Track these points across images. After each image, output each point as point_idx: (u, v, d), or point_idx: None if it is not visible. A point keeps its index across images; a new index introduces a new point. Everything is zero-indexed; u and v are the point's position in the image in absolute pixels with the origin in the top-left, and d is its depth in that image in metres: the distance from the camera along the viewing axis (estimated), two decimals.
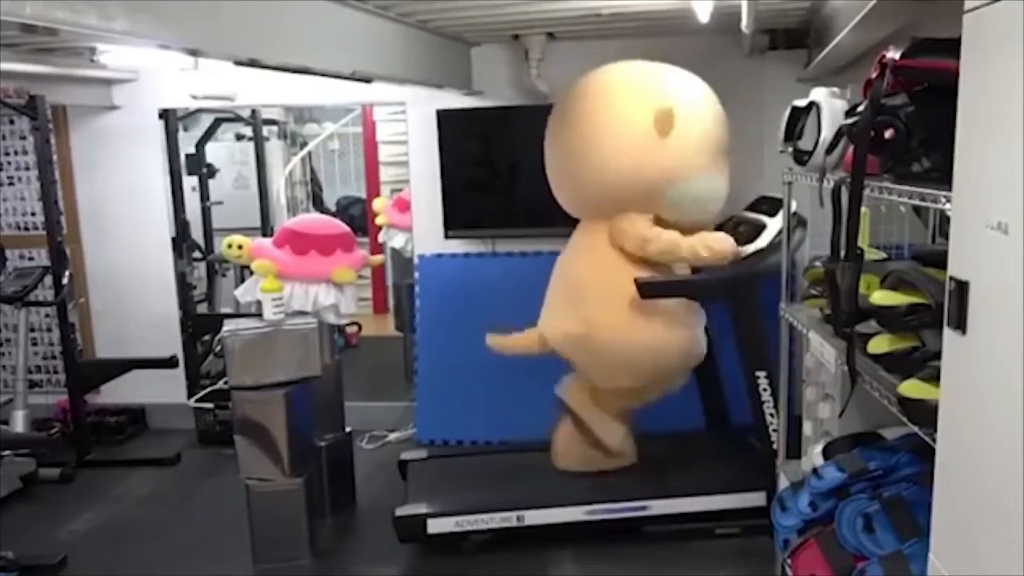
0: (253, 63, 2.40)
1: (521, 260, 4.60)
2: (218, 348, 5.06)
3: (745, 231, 3.52)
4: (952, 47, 1.44)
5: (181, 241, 5.31)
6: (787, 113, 2.65)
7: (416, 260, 4.77)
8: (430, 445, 4.53)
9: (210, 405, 4.91)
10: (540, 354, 3.63)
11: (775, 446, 3.30)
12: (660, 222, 3.45)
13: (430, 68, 3.88)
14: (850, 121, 2.00)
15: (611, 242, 3.47)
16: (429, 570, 3.52)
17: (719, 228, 3.65)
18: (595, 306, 3.47)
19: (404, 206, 4.99)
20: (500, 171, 4.68)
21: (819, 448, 2.53)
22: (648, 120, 3.31)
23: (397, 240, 5.16)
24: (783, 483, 2.90)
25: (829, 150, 2.23)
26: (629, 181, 3.38)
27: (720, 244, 3.38)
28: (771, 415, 3.45)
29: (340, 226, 3.80)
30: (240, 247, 3.55)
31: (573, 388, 3.73)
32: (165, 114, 5.05)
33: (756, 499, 3.47)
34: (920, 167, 1.78)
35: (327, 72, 2.87)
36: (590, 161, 3.43)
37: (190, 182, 5.65)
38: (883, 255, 2.65)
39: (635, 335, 3.46)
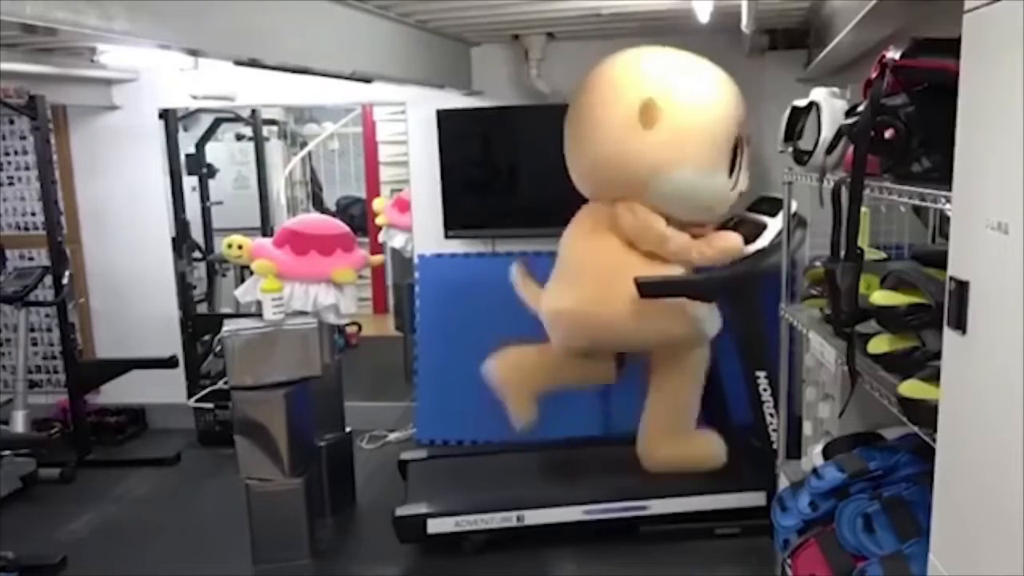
0: (253, 63, 2.40)
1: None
2: (218, 348, 5.06)
3: (746, 231, 3.52)
4: (952, 47, 1.44)
5: (181, 241, 5.31)
6: (787, 113, 2.65)
7: (416, 260, 4.77)
8: (430, 445, 4.53)
9: (210, 405, 4.91)
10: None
11: (775, 446, 3.30)
12: (669, 219, 3.46)
13: (430, 68, 3.88)
14: (850, 121, 2.00)
15: (610, 226, 3.49)
16: (429, 570, 3.51)
17: (719, 228, 3.65)
18: (589, 289, 3.49)
19: (404, 206, 4.99)
20: (500, 171, 4.68)
21: (819, 448, 2.53)
22: (632, 111, 3.31)
23: (397, 240, 5.16)
24: (783, 483, 2.90)
25: (829, 150, 2.23)
26: (613, 170, 3.41)
27: (724, 242, 3.41)
28: (771, 415, 3.46)
29: (340, 226, 3.80)
30: (240, 247, 3.55)
31: (501, 362, 3.78)
32: (165, 114, 5.05)
33: (756, 499, 3.47)
34: (920, 167, 1.78)
35: (327, 72, 2.88)
36: (583, 148, 3.51)
37: (190, 182, 5.66)
38: (883, 255, 2.64)
39: (626, 321, 3.44)
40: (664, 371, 3.71)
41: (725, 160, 3.41)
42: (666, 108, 3.30)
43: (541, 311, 3.64)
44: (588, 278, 3.53)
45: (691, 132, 3.34)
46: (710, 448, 3.71)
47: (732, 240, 3.45)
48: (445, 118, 4.47)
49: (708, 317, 3.58)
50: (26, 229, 5.09)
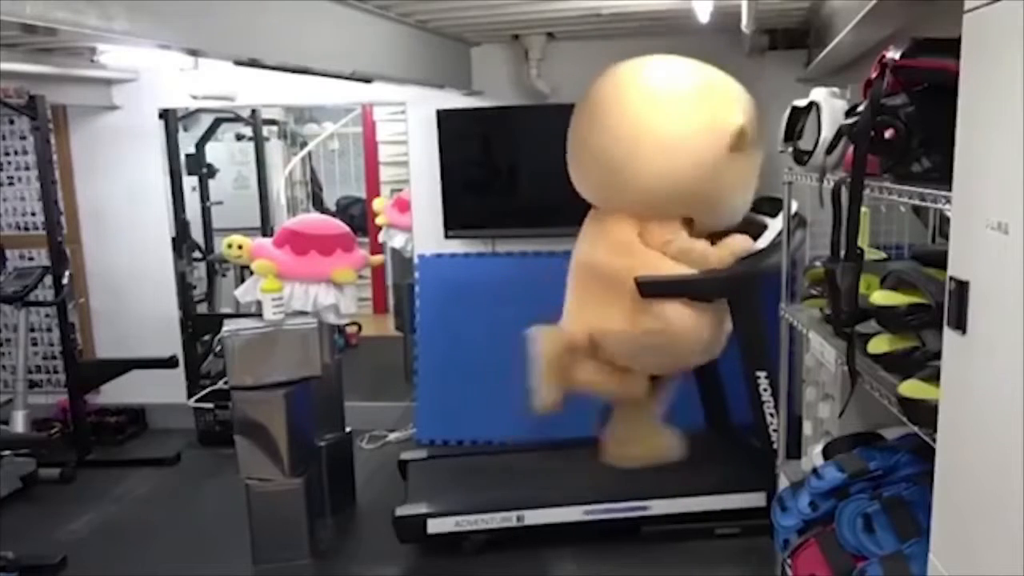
0: (253, 63, 2.40)
1: (521, 260, 4.60)
2: (218, 348, 5.06)
3: (746, 231, 3.53)
4: (952, 47, 1.44)
5: (181, 241, 5.31)
6: (787, 113, 2.64)
7: (416, 260, 4.77)
8: (430, 445, 4.53)
9: (210, 405, 4.91)
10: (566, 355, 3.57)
11: (775, 446, 3.30)
12: (687, 225, 3.52)
13: (430, 68, 3.88)
14: (850, 121, 2.00)
15: (633, 236, 3.49)
16: (429, 570, 3.51)
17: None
18: (612, 304, 3.47)
19: (404, 206, 4.99)
20: (500, 171, 4.69)
21: (819, 448, 2.52)
22: (724, 135, 3.31)
23: (397, 240, 5.16)
24: (783, 483, 2.90)
25: (829, 150, 2.23)
26: (690, 191, 3.37)
27: (738, 246, 3.46)
28: (771, 415, 3.45)
29: (340, 226, 3.80)
30: (240, 247, 3.55)
31: (549, 337, 3.62)
32: (165, 114, 5.06)
33: (756, 499, 3.47)
34: (920, 167, 1.77)
35: (327, 72, 2.88)
36: (648, 167, 3.33)
37: (190, 182, 5.66)
38: (883, 255, 2.64)
39: (700, 324, 3.48)
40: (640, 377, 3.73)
41: (757, 175, 3.55)
42: (751, 135, 3.36)
43: (604, 337, 3.54)
44: (615, 291, 3.48)
45: (757, 154, 3.47)
46: (668, 445, 3.80)
47: (745, 242, 3.48)
48: (445, 118, 4.47)
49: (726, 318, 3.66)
50: (26, 229, 5.09)
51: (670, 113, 3.34)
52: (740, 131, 3.30)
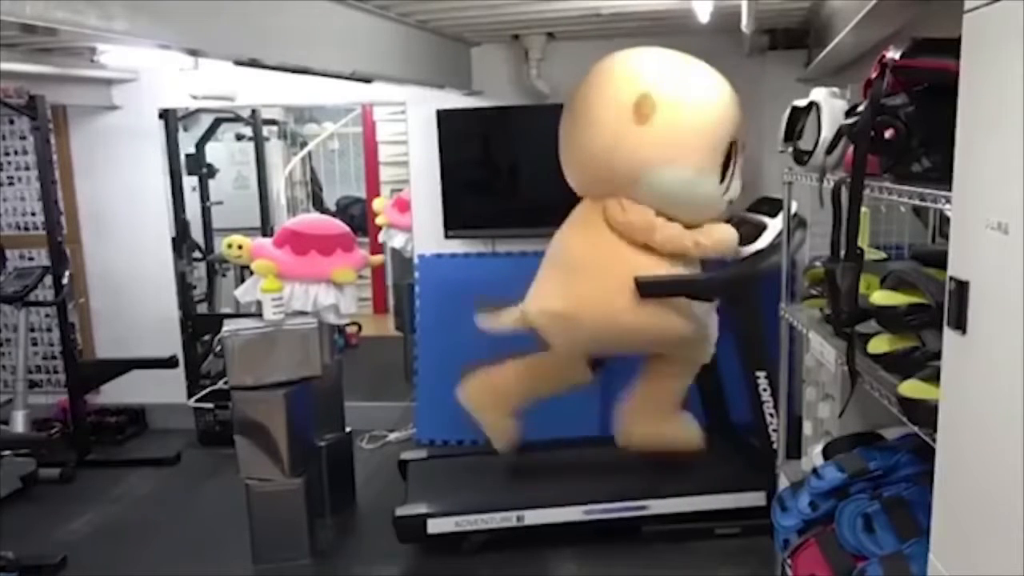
0: (253, 63, 2.40)
1: (521, 260, 4.59)
2: (218, 348, 5.06)
3: (746, 231, 3.52)
4: (952, 47, 1.44)
5: (181, 241, 5.31)
6: (787, 113, 2.65)
7: (416, 260, 4.77)
8: (430, 445, 4.53)
9: (210, 405, 4.91)
10: (525, 330, 3.55)
11: (775, 446, 3.30)
12: (661, 215, 3.45)
13: (430, 68, 3.88)
14: (850, 121, 2.00)
15: (603, 221, 3.47)
16: (429, 570, 3.52)
17: None
18: (586, 285, 3.44)
19: (404, 206, 4.99)
20: (500, 171, 4.68)
21: (819, 448, 2.53)
22: (627, 105, 3.31)
23: (397, 240, 5.16)
24: (783, 483, 2.90)
25: (829, 150, 2.23)
26: (605, 165, 3.40)
27: (720, 232, 3.41)
28: (771, 415, 3.45)
29: (340, 226, 3.80)
30: (240, 247, 3.55)
31: (472, 387, 3.75)
32: (165, 114, 5.06)
33: (756, 499, 3.47)
34: (920, 167, 1.78)
35: (327, 72, 2.87)
36: (577, 144, 3.49)
37: (190, 182, 5.66)
38: (883, 255, 2.64)
39: (623, 316, 3.40)
40: (661, 357, 3.70)
41: (717, 163, 3.38)
42: (661, 104, 3.29)
43: (530, 315, 3.50)
44: (585, 276, 3.47)
45: (685, 130, 3.33)
46: (687, 431, 3.70)
47: (727, 231, 3.43)
48: (445, 118, 4.47)
49: (709, 315, 3.59)
50: (26, 229, 5.09)
51: (595, 88, 3.43)
52: (641, 97, 3.27)
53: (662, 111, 3.29)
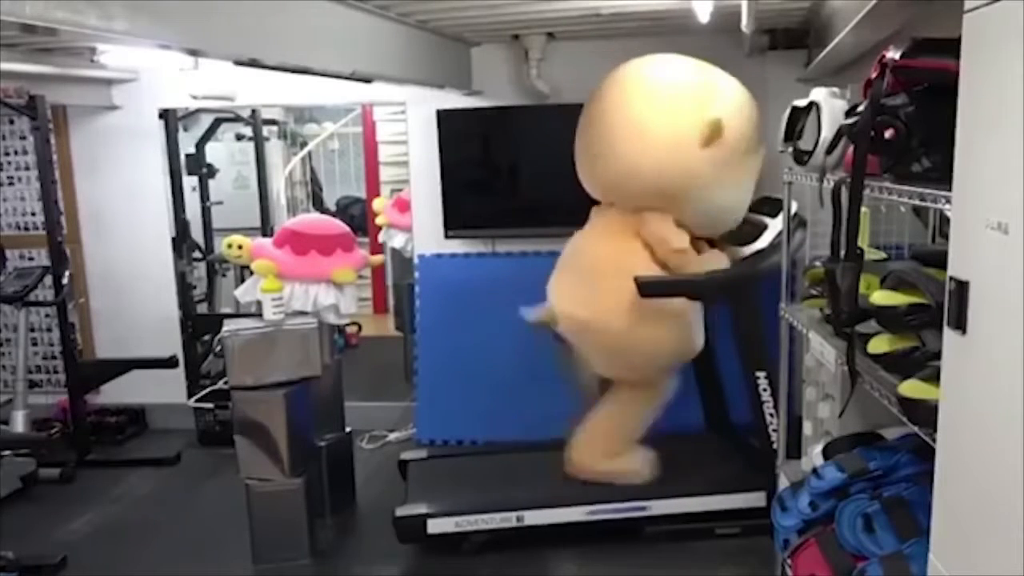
0: (253, 63, 2.40)
1: (521, 260, 4.60)
2: (218, 348, 5.06)
3: (746, 231, 3.53)
4: (952, 47, 1.44)
5: (181, 241, 5.31)
6: (787, 113, 2.65)
7: (416, 260, 4.77)
8: (430, 445, 4.53)
9: (210, 405, 4.91)
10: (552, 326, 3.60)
11: (775, 446, 3.30)
12: (680, 226, 3.49)
13: (430, 68, 3.88)
14: (850, 121, 2.00)
15: (635, 234, 3.47)
16: (429, 570, 3.51)
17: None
18: (607, 295, 3.44)
19: (404, 206, 4.99)
20: (500, 171, 4.69)
21: (819, 448, 2.53)
22: (695, 128, 3.29)
23: (397, 240, 5.16)
24: (783, 483, 2.90)
25: (829, 150, 2.23)
26: (664, 183, 3.36)
27: (713, 263, 3.50)
28: (771, 415, 3.46)
29: (340, 226, 3.80)
30: (240, 247, 3.55)
31: (577, 454, 3.69)
32: (165, 114, 5.06)
33: (756, 499, 3.47)
34: (920, 167, 1.77)
35: (327, 72, 2.87)
36: (631, 157, 3.38)
37: (190, 182, 5.66)
38: (883, 255, 2.64)
39: (641, 329, 3.44)
40: (628, 388, 3.69)
41: (754, 180, 3.51)
42: (727, 129, 3.31)
43: (559, 316, 3.55)
44: (612, 286, 3.44)
45: (739, 153, 3.39)
46: (639, 466, 3.65)
47: (720, 261, 3.52)
48: (445, 118, 4.47)
49: (700, 333, 3.62)
50: (26, 229, 5.09)
51: (647, 103, 3.38)
52: (714, 124, 3.28)
53: (726, 135, 3.32)
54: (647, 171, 3.35)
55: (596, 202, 3.70)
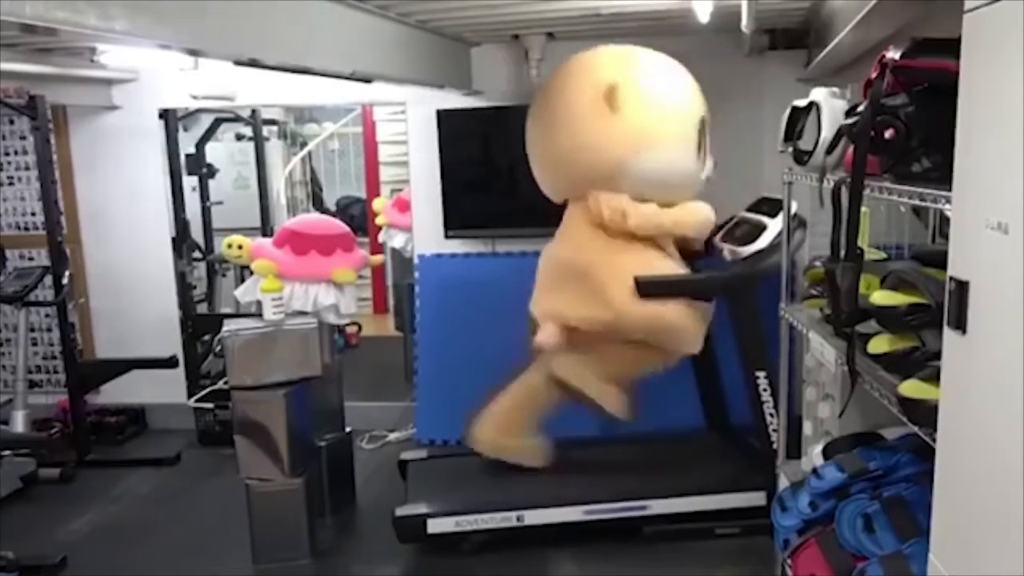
0: (253, 63, 2.40)
1: (521, 260, 4.59)
2: (218, 348, 5.06)
3: (746, 231, 3.52)
4: (952, 47, 1.44)
5: (181, 241, 5.31)
6: (787, 113, 2.65)
7: (416, 260, 4.77)
8: (430, 445, 4.53)
9: (210, 405, 4.91)
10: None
11: (775, 446, 3.30)
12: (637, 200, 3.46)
13: (430, 68, 3.88)
14: (850, 121, 2.00)
15: (592, 220, 3.47)
16: (429, 570, 3.52)
17: (719, 228, 3.65)
18: (617, 289, 3.39)
19: (404, 206, 4.99)
20: (500, 171, 4.68)
21: (819, 448, 2.53)
22: (597, 96, 3.33)
23: (397, 240, 5.16)
24: (783, 483, 2.90)
25: (829, 150, 2.23)
26: (579, 161, 3.42)
27: (696, 207, 3.47)
28: (771, 415, 3.45)
29: (340, 226, 3.80)
30: (240, 247, 3.55)
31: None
32: (165, 114, 5.06)
33: (756, 499, 3.47)
34: (920, 167, 1.78)
35: (327, 72, 2.87)
36: (547, 145, 3.52)
37: (190, 182, 5.66)
38: (883, 255, 2.64)
39: (663, 311, 3.40)
40: (533, 376, 3.71)
41: (692, 141, 3.44)
42: (628, 92, 3.33)
43: (582, 325, 3.50)
44: (611, 280, 3.40)
45: (655, 115, 3.39)
46: (534, 452, 3.73)
47: (702, 206, 3.50)
48: (445, 118, 4.47)
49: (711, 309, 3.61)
50: (26, 229, 5.09)
51: (559, 90, 3.47)
52: (609, 88, 3.30)
53: (630, 99, 3.34)
54: (571, 151, 3.43)
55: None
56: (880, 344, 1.96)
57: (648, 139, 3.37)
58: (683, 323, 3.45)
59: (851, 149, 1.92)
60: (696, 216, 3.50)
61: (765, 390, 3.46)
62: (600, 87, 3.33)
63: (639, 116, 3.36)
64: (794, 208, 3.08)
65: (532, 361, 3.72)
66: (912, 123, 1.76)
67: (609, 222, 3.42)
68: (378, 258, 4.17)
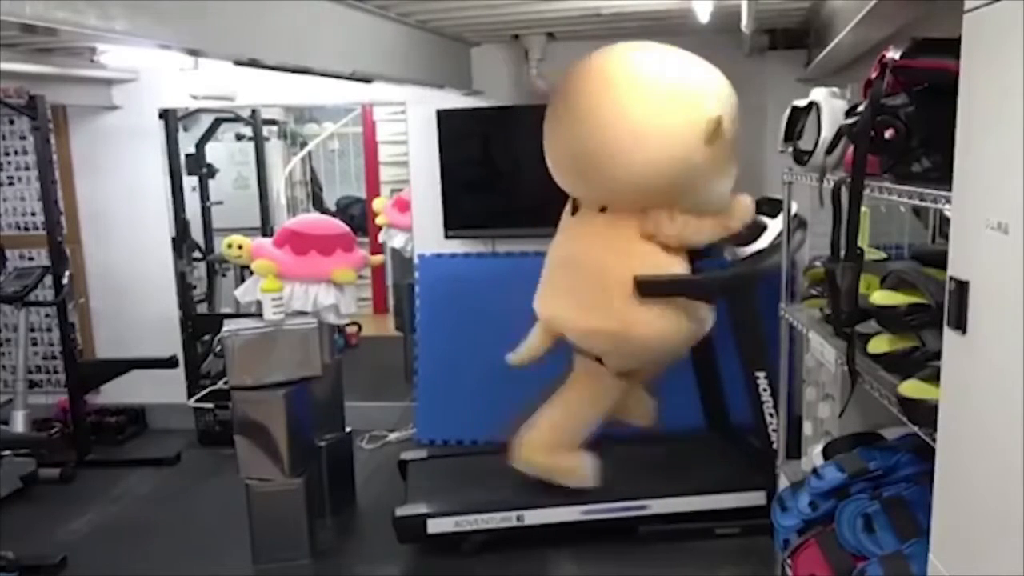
0: (253, 63, 2.40)
1: (521, 260, 4.60)
2: (218, 348, 5.06)
3: (746, 231, 3.52)
4: (952, 47, 1.44)
5: (181, 241, 5.32)
6: (787, 113, 2.64)
7: (416, 260, 4.77)
8: (430, 445, 4.53)
9: (210, 405, 4.91)
10: (552, 347, 3.56)
11: (775, 446, 3.30)
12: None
13: (430, 68, 3.88)
14: (850, 121, 2.00)
15: (643, 235, 3.40)
16: (429, 570, 3.52)
17: None
18: (627, 301, 3.35)
19: (404, 206, 4.99)
20: (500, 171, 4.68)
21: (819, 448, 2.53)
22: (698, 127, 3.19)
23: (397, 240, 5.16)
24: (783, 483, 2.90)
25: (829, 150, 2.23)
26: (669, 183, 3.28)
27: (742, 205, 3.48)
28: (771, 415, 3.45)
29: (340, 226, 3.80)
30: (240, 247, 3.55)
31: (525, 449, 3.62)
32: (165, 114, 5.06)
33: (756, 499, 3.47)
34: (920, 167, 1.77)
35: (327, 72, 2.87)
36: (629, 158, 3.23)
37: (190, 182, 5.66)
38: (883, 255, 2.64)
39: (668, 327, 3.40)
40: (579, 386, 3.66)
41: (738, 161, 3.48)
42: (725, 124, 3.26)
43: (574, 333, 3.49)
44: (624, 290, 3.35)
45: (733, 141, 3.36)
46: (581, 472, 3.60)
47: (744, 200, 3.50)
48: (445, 118, 4.47)
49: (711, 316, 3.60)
50: (26, 229, 5.09)
51: (646, 103, 3.23)
52: (715, 122, 3.21)
53: (723, 132, 3.27)
54: (653, 174, 3.25)
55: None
56: (880, 344, 1.96)
57: (726, 172, 3.38)
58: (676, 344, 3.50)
59: (851, 149, 1.92)
60: (745, 213, 3.50)
61: (765, 390, 3.46)
62: (701, 117, 3.19)
63: (724, 150, 3.31)
64: (794, 208, 3.08)
65: (570, 371, 3.69)
66: (912, 123, 1.76)
67: (676, 239, 3.40)
68: (378, 258, 4.17)
